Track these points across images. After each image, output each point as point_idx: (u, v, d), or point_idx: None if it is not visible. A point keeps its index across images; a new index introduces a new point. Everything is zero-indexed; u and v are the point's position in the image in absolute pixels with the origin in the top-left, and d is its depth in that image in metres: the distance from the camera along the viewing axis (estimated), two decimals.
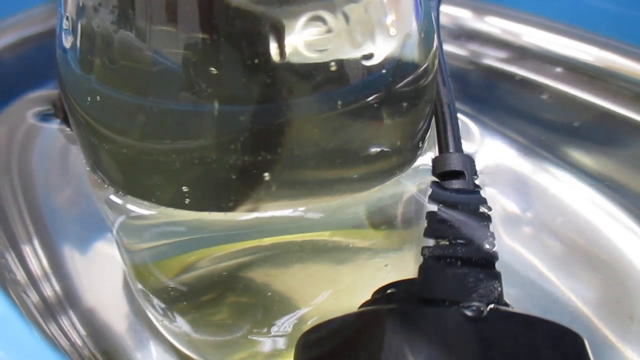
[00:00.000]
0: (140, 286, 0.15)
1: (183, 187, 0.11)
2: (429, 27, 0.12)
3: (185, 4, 0.10)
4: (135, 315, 0.17)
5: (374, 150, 0.12)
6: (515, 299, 0.12)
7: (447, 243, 0.12)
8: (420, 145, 0.13)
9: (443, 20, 0.24)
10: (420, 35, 0.12)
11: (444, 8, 0.23)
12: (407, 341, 0.10)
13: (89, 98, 0.11)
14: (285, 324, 0.14)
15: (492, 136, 0.22)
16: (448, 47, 0.23)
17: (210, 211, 0.11)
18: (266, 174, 0.11)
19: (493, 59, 0.23)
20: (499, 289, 0.11)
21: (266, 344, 0.14)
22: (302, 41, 0.10)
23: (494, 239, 0.12)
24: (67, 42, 0.11)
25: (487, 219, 0.12)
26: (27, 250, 0.17)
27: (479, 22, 0.24)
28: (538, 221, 0.20)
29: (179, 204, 0.11)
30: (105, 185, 0.12)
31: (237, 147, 0.10)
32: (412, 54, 0.12)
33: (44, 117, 0.21)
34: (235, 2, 0.10)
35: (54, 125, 0.21)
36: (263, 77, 0.10)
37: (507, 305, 0.11)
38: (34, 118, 0.21)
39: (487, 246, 0.11)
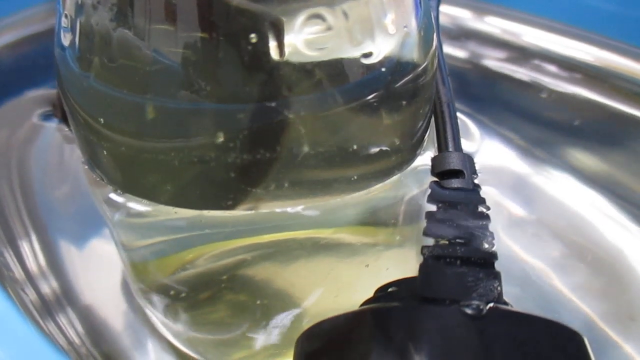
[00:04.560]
0: (138, 284, 0.15)
1: (182, 186, 0.11)
2: (429, 26, 0.12)
3: (184, 2, 0.10)
4: (133, 313, 0.17)
5: (373, 149, 0.12)
6: (515, 298, 0.12)
7: (447, 243, 0.12)
8: (419, 145, 0.13)
9: (442, 20, 0.24)
10: (420, 34, 0.12)
11: (443, 8, 0.23)
12: (408, 339, 0.10)
13: (87, 96, 0.11)
14: (284, 323, 0.14)
15: (491, 135, 0.22)
16: (447, 47, 0.23)
17: (209, 209, 0.11)
18: (265, 173, 0.11)
19: (492, 58, 0.23)
20: (499, 288, 0.11)
21: (265, 343, 0.14)
22: (301, 39, 0.10)
23: (493, 238, 0.12)
24: (65, 40, 0.11)
25: (486, 218, 0.12)
26: (25, 247, 0.17)
27: (478, 22, 0.24)
28: (537, 220, 0.20)
29: (177, 202, 0.11)
30: (103, 183, 0.12)
31: (236, 145, 0.10)
32: (412, 52, 0.12)
33: (46, 116, 0.21)
34: (234, 1, 0.10)
35: (53, 124, 0.21)
36: (262, 76, 0.10)
37: (506, 304, 0.11)
38: (37, 118, 0.21)
39: (487, 246, 0.11)
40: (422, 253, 0.11)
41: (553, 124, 0.22)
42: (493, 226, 0.12)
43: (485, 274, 0.11)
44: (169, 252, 0.13)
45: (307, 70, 0.10)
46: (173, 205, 0.12)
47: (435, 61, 0.13)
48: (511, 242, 0.19)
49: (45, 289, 0.17)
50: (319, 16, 0.10)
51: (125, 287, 0.17)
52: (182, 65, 0.10)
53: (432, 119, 0.14)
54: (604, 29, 0.21)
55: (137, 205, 0.12)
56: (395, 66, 0.11)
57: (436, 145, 0.14)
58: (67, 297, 0.17)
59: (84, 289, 0.17)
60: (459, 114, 0.15)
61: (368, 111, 0.11)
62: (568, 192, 0.20)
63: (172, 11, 0.10)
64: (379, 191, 0.12)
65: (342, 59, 0.10)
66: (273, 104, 0.10)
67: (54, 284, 0.17)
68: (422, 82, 0.12)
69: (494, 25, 0.23)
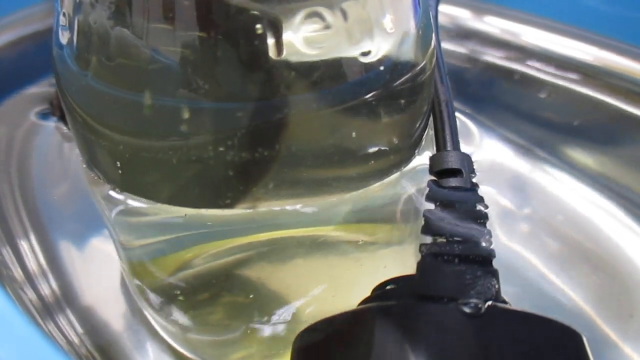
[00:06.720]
0: (137, 284, 0.15)
1: (180, 184, 0.11)
2: (427, 25, 0.12)
3: (182, 0, 0.10)
4: (132, 313, 0.17)
5: (372, 147, 0.12)
6: (514, 297, 0.12)
7: (445, 241, 0.12)
8: (417, 143, 0.13)
9: (442, 19, 0.24)
10: (418, 33, 0.12)
11: (442, 8, 0.23)
12: (406, 338, 0.10)
13: (85, 95, 0.11)
14: (282, 322, 0.14)
15: (490, 135, 0.22)
16: (446, 46, 0.23)
17: (207, 208, 0.11)
18: (263, 171, 0.11)
19: (492, 58, 0.23)
20: (497, 286, 0.11)
21: (263, 343, 0.14)
22: (300, 38, 0.10)
23: (490, 236, 0.12)
24: (63, 38, 0.11)
25: (484, 216, 0.12)
26: (24, 246, 0.17)
27: (477, 21, 0.24)
28: (536, 219, 0.20)
29: (175, 201, 0.11)
30: (102, 182, 0.12)
31: (234, 143, 0.10)
32: (410, 51, 0.12)
33: (43, 115, 0.21)
34: None
35: (52, 122, 0.21)
36: (260, 74, 0.10)
37: (505, 302, 0.11)
38: (35, 116, 0.21)
39: (484, 244, 0.11)
40: (420, 251, 0.11)
41: (552, 124, 0.22)
42: (491, 225, 0.12)
43: (483, 272, 0.11)
44: (167, 252, 0.13)
45: (305, 68, 0.10)
46: (171, 204, 0.12)
47: (434, 60, 0.13)
48: (509, 241, 0.19)
49: (45, 288, 0.17)
50: (317, 15, 0.10)
51: (125, 287, 0.17)
52: (181, 64, 0.10)
53: (431, 118, 0.14)
54: (603, 29, 0.21)
55: (135, 204, 0.12)
56: (394, 65, 0.11)
57: (434, 144, 0.14)
58: (67, 297, 0.17)
59: (83, 289, 0.17)
60: (457, 113, 0.15)
61: (366, 110, 0.11)
62: (567, 191, 0.20)
63: (170, 10, 0.10)
64: (377, 190, 0.12)
65: (340, 57, 0.10)
66: (271, 103, 0.10)
67: (54, 283, 0.17)
68: (420, 81, 0.12)
69: (493, 24, 0.23)
